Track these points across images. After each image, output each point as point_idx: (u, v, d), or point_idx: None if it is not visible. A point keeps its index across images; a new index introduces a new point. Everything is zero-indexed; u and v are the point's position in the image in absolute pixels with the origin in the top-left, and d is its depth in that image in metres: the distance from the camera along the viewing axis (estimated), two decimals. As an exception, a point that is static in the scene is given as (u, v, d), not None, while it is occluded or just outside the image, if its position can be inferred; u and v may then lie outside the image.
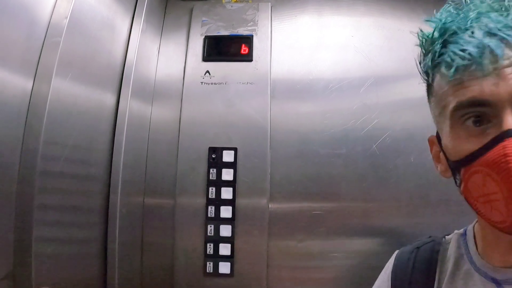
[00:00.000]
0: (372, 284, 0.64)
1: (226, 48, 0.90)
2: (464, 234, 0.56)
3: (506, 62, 0.42)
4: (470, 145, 0.44)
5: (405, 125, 0.85)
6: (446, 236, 0.59)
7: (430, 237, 0.61)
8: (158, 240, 0.84)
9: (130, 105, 0.84)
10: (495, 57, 0.43)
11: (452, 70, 0.44)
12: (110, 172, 0.82)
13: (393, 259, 0.63)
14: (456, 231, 0.57)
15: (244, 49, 0.89)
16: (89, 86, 0.86)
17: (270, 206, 0.82)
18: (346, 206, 0.83)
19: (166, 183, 0.85)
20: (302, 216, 0.82)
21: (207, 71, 0.89)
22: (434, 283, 0.55)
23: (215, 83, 0.88)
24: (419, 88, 0.54)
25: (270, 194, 0.82)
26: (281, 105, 0.86)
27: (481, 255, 0.51)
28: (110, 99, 0.84)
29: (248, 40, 0.90)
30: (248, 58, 0.88)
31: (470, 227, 0.56)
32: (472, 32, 0.44)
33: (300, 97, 0.87)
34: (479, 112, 0.44)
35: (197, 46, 0.92)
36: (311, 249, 0.83)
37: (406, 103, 0.88)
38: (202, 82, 0.88)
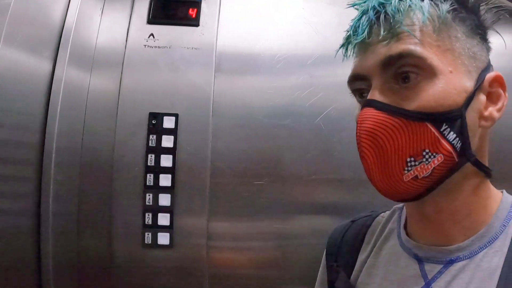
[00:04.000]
0: (316, 251, 0.65)
1: (173, 11, 0.86)
2: (402, 209, 0.56)
3: (376, 38, 0.45)
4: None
5: (351, 100, 0.85)
6: (384, 212, 0.59)
7: (372, 211, 0.62)
8: (95, 210, 0.80)
9: (66, 71, 0.80)
10: (369, 34, 0.45)
11: (340, 48, 0.50)
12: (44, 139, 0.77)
13: (332, 231, 0.64)
14: (396, 206, 0.57)
15: (191, 13, 0.85)
16: (25, 51, 0.81)
17: (211, 175, 0.80)
18: (289, 177, 0.82)
19: (104, 151, 0.81)
20: (244, 186, 0.80)
21: (151, 34, 0.84)
22: (356, 255, 0.56)
23: (159, 47, 0.83)
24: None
25: (212, 162, 0.80)
26: (226, 73, 0.83)
27: (408, 231, 0.51)
28: (48, 65, 0.80)
29: (196, 4, 0.86)
30: (195, 22, 0.85)
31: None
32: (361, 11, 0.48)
33: (246, 66, 0.84)
34: (361, 86, 0.48)
35: (142, 8, 0.87)
36: (253, 220, 0.81)
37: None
38: (145, 46, 0.84)
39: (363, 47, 0.46)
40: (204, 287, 0.81)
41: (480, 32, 0.47)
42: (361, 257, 0.55)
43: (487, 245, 0.45)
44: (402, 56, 0.43)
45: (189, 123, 0.80)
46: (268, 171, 0.81)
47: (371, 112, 0.44)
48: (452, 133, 0.43)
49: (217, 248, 0.81)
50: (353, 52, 0.49)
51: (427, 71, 0.43)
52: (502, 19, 0.50)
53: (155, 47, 0.84)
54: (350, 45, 0.48)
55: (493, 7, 0.49)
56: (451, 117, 0.43)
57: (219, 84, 0.82)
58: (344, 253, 0.58)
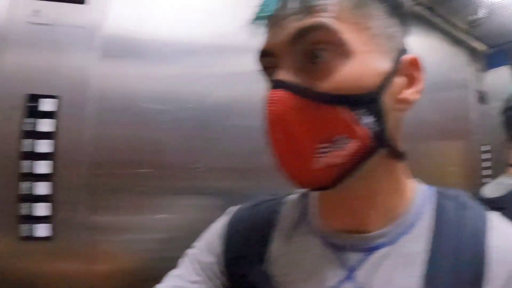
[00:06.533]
0: None
1: (61, -13, 0.80)
2: (306, 195, 0.52)
3: (288, 12, 0.40)
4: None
5: (237, 89, 0.81)
6: (289, 196, 0.54)
7: (274, 194, 0.56)
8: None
9: None
10: (282, 8, 0.41)
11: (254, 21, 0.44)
12: None
13: (228, 215, 0.57)
14: (299, 190, 0.53)
15: (79, -10, 0.79)
16: None
17: (91, 161, 0.75)
18: (172, 164, 0.78)
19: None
20: (126, 174, 0.76)
21: (36, 10, 0.78)
22: (267, 244, 0.50)
23: (42, 24, 0.77)
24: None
25: (93, 148, 0.74)
26: (110, 55, 0.78)
27: (322, 217, 0.47)
28: None
29: (85, -20, 0.80)
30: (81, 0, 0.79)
31: None
32: None
33: (132, 49, 0.80)
34: (269, 63, 0.42)
35: (29, -18, 0.80)
36: (137, 208, 0.77)
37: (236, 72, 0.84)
38: (28, 22, 0.77)
39: (274, 22, 0.42)
40: (87, 283, 0.76)
41: (399, 13, 0.44)
42: (272, 246, 0.50)
43: (407, 231, 0.43)
44: (313, 28, 0.39)
45: (70, 106, 0.74)
46: (150, 158, 0.77)
47: (277, 93, 0.39)
48: (366, 117, 0.39)
49: (100, 238, 0.76)
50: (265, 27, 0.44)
51: (340, 49, 0.39)
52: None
53: (39, 23, 0.77)
54: (259, 19, 0.44)
55: None
56: (365, 100, 0.39)
57: (103, 66, 0.77)
58: (250, 241, 0.52)
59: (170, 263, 0.78)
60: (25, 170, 0.73)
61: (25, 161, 0.73)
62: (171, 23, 0.82)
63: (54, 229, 0.74)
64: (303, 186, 0.42)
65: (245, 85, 0.79)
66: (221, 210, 0.63)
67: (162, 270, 0.78)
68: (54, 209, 0.74)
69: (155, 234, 0.77)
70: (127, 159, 0.75)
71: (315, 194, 0.50)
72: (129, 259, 0.76)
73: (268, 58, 0.42)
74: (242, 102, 0.78)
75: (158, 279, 0.67)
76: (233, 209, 0.58)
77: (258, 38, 0.46)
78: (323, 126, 0.39)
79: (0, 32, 0.77)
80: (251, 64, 0.78)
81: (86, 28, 0.77)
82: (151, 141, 0.76)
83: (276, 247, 0.50)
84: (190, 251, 0.58)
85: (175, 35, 0.81)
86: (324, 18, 0.39)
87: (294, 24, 0.39)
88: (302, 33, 0.39)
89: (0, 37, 0.76)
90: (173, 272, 0.57)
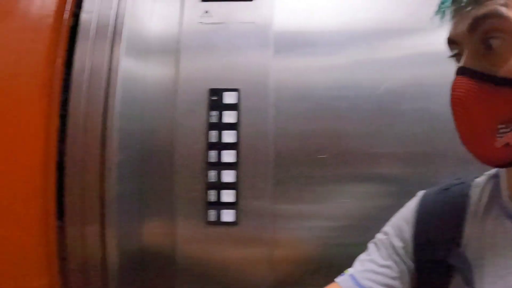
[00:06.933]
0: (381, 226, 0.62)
1: (225, -13, 0.85)
2: (496, 176, 0.52)
3: (463, 2, 0.44)
4: None
5: (411, 72, 0.82)
6: (476, 179, 0.55)
7: (459, 179, 0.57)
8: (158, 189, 0.80)
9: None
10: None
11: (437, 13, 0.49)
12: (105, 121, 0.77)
13: (417, 199, 0.58)
14: (486, 173, 0.54)
15: (244, -12, 0.84)
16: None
17: (274, 149, 0.79)
18: (350, 150, 0.80)
19: (164, 131, 0.80)
20: (307, 160, 0.79)
21: (206, 11, 0.83)
22: (462, 228, 0.52)
23: (214, 23, 0.83)
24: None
25: (274, 137, 0.79)
26: (283, 46, 0.82)
27: None
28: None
29: (248, -21, 0.85)
30: (249, -3, 0.83)
31: (503, 169, 0.52)
32: None
33: (303, 40, 0.82)
34: (455, 51, 0.47)
35: (194, -14, 0.86)
36: (317, 194, 0.80)
37: (406, 55, 0.85)
38: (200, 22, 0.83)
39: (455, 12, 0.46)
40: (268, 267, 0.80)
41: None
42: (467, 230, 0.51)
43: None
44: (487, 17, 0.42)
45: (250, 98, 0.79)
46: (330, 144, 0.80)
47: (460, 80, 0.44)
48: None
49: (283, 223, 0.79)
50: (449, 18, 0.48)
51: None
52: None
53: (211, 23, 0.83)
54: (441, 10, 0.48)
55: None
56: None
57: (277, 58, 0.81)
58: (443, 226, 0.53)
59: (348, 250, 0.79)
60: (212, 159, 0.78)
61: (212, 151, 0.78)
62: (336, 12, 0.84)
63: (238, 215, 0.79)
64: (486, 163, 0.45)
65: (417, 67, 0.80)
66: (398, 198, 0.64)
67: (341, 257, 0.81)
68: (238, 196, 0.79)
69: (334, 222, 0.79)
70: (306, 146, 0.78)
71: (505, 177, 0.51)
72: (308, 246, 0.79)
73: (454, 45, 0.47)
74: (415, 86, 0.79)
75: (337, 266, 0.69)
76: (420, 194, 0.59)
77: (427, 22, 0.49)
78: (502, 109, 0.42)
79: (176, 35, 0.83)
80: (420, 46, 0.81)
81: (256, 24, 0.82)
82: (329, 128, 0.79)
83: (469, 231, 0.51)
84: (378, 236, 0.60)
85: (341, 23, 0.83)
86: (497, 6, 0.41)
87: (470, 14, 0.43)
88: (478, 22, 0.42)
89: (177, 39, 0.83)
90: (361, 257, 0.60)
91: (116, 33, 0.79)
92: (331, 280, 0.63)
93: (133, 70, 0.81)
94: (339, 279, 0.59)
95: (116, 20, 0.80)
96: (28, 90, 0.77)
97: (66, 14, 0.82)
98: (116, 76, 0.76)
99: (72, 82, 0.78)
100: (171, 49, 0.82)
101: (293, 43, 0.83)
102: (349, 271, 0.59)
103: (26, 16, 0.80)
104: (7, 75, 0.77)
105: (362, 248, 0.66)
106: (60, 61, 0.79)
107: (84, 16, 0.81)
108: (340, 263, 0.68)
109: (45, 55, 0.78)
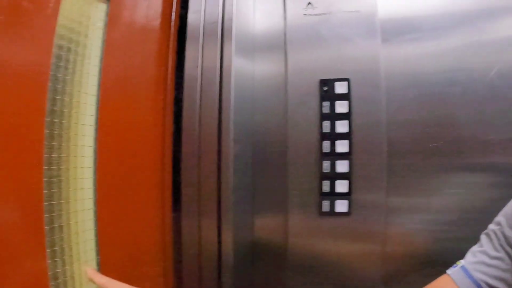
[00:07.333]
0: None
1: (327, -23, 0.85)
2: None
3: None
4: None
5: None
6: None
7: None
8: (270, 181, 0.80)
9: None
10: None
11: None
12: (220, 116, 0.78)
13: None
14: None
15: (345, -23, 0.83)
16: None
17: (385, 139, 0.77)
18: (464, 138, 0.78)
19: (276, 121, 0.81)
20: (419, 149, 0.77)
21: (309, 3, 0.83)
22: None
23: (318, 14, 0.83)
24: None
25: (387, 125, 0.78)
26: (391, 33, 0.80)
27: None
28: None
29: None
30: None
31: None
32: None
33: (410, 24, 0.81)
34: None
35: (293, -20, 0.87)
36: (429, 185, 0.78)
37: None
38: (305, 15, 0.83)
39: None
40: (379, 258, 0.79)
41: None
42: None
43: None
44: None
45: (361, 87, 0.78)
46: (442, 131, 0.78)
47: None
48: None
49: (396, 214, 0.78)
50: None
51: None
52: None
53: (315, 14, 0.83)
54: None
55: None
56: None
57: (386, 45, 0.80)
58: None
59: (461, 245, 0.77)
60: (325, 150, 0.78)
61: (325, 141, 0.78)
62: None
63: (351, 206, 0.78)
64: None
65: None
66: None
67: (454, 252, 0.78)
68: (351, 186, 0.78)
69: (447, 215, 0.77)
70: (418, 135, 0.77)
71: None
72: (420, 240, 0.78)
73: None
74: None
75: (450, 259, 0.67)
76: None
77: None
78: None
79: (281, 28, 0.84)
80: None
81: (361, 12, 0.81)
82: (441, 115, 0.77)
83: None
84: (491, 226, 0.59)
85: (445, 6, 0.81)
86: None
87: None
88: None
89: (283, 33, 0.83)
90: (474, 248, 0.59)
91: (225, 31, 0.80)
92: (442, 272, 0.62)
93: (242, 65, 0.82)
94: (450, 271, 0.59)
95: (223, 18, 0.81)
96: (144, 90, 0.80)
97: (173, 15, 0.84)
98: (229, 73, 0.78)
99: (185, 80, 0.80)
100: (277, 43, 0.83)
101: (399, 29, 0.81)
102: (461, 262, 0.59)
103: (134, 19, 0.83)
104: (122, 77, 0.80)
105: (474, 241, 0.65)
106: (172, 60, 0.81)
107: (191, 16, 0.83)
108: (452, 256, 0.67)
109: (157, 55, 0.81)
